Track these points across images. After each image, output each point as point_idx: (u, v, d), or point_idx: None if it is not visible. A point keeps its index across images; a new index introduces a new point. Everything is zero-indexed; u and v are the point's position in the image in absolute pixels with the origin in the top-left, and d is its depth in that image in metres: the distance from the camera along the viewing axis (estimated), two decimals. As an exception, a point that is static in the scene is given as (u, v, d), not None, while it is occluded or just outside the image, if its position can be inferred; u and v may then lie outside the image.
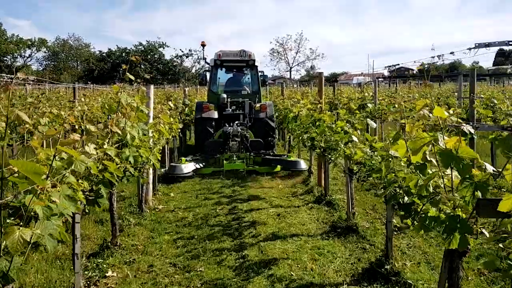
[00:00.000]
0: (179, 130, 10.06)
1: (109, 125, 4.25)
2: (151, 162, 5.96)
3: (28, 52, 65.94)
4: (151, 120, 7.17)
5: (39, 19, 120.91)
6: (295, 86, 42.39)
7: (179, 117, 10.22)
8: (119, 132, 4.27)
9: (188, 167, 9.17)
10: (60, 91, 23.23)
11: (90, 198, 4.13)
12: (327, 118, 6.36)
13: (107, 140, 4.24)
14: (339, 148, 5.83)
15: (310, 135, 7.50)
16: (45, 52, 68.27)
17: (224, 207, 7.05)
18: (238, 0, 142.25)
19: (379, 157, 4.37)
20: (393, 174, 3.82)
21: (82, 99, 13.01)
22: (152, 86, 7.33)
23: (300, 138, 8.16)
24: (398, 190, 3.62)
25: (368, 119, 5.49)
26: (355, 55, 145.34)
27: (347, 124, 5.64)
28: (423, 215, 3.27)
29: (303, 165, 9.25)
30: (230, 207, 7.06)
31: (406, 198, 3.49)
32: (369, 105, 10.56)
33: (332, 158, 6.05)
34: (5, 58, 60.90)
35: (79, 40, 73.78)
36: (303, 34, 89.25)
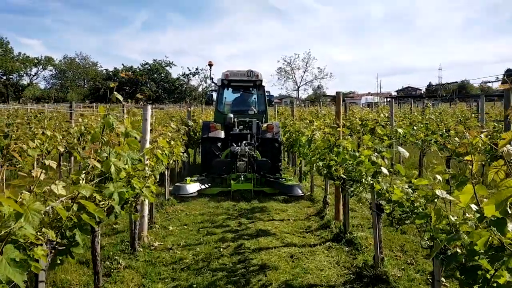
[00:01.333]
0: (183, 152, 9.38)
1: (85, 156, 3.43)
2: (145, 194, 5.14)
3: (34, 70, 65.98)
4: (147, 145, 6.36)
5: (49, 39, 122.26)
6: (301, 105, 41.71)
7: (181, 139, 9.41)
8: (97, 165, 3.43)
9: (193, 187, 9.12)
10: (61, 110, 22.62)
11: (61, 248, 3.30)
12: (349, 145, 5.51)
13: (82, 175, 3.41)
14: (364, 181, 4.96)
15: (327, 163, 6.64)
16: (51, 70, 68.34)
17: (229, 244, 6.15)
18: (245, 21, 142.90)
19: (421, 198, 3.50)
20: (447, 224, 2.96)
21: (80, 120, 12.28)
22: (149, 107, 6.54)
23: (315, 165, 7.29)
24: (458, 249, 2.75)
25: (399, 147, 4.63)
26: (361, 74, 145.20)
27: (374, 152, 4.78)
28: (495, 284, 2.43)
29: (299, 191, 9.00)
30: (236, 244, 6.16)
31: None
32: (377, 129, 9.76)
33: (355, 192, 5.17)
34: (11, 76, 60.83)
35: (86, 58, 74.07)
36: (310, 53, 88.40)
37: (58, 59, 71.96)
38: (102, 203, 4.06)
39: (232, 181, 9.48)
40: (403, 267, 5.06)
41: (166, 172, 8.38)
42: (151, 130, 9.46)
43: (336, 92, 6.79)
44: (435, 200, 3.47)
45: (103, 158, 3.79)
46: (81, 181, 3.39)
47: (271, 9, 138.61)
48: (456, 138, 9.09)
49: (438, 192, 3.30)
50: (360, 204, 7.96)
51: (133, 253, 5.71)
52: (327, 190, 7.69)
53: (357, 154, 5.13)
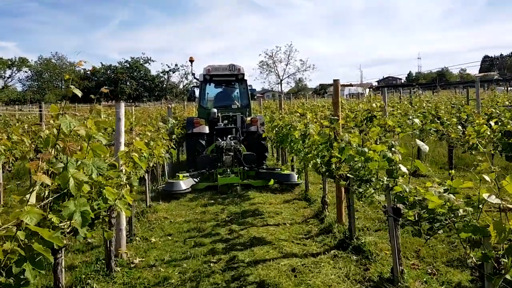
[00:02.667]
0: (166, 152, 8.64)
1: (32, 169, 2.62)
2: (119, 206, 4.35)
3: (8, 72, 63.79)
4: (122, 148, 5.55)
5: (25, 40, 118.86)
6: (285, 98, 41.07)
7: (162, 139, 8.61)
8: (46, 180, 2.63)
9: (186, 183, 9.07)
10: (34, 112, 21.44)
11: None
12: (355, 139, 4.78)
13: (28, 196, 2.61)
14: (375, 181, 4.24)
15: (326, 159, 5.92)
16: (25, 71, 66.23)
17: (220, 258, 5.38)
18: (225, 17, 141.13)
19: (467, 205, 2.79)
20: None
21: (51, 121, 11.30)
22: (123, 104, 5.72)
23: (312, 162, 6.56)
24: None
25: (418, 141, 3.92)
26: (343, 66, 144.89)
27: (388, 148, 4.06)
28: None
29: (296, 178, 9.07)
30: (228, 257, 5.39)
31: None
32: (388, 120, 9.06)
33: (365, 194, 4.45)
34: (-16, 79, 58.85)
35: (62, 59, 71.98)
36: (292, 46, 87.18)
37: (33, 60, 69.88)
38: (62, 224, 3.29)
39: (219, 175, 9.42)
40: (425, 279, 4.36)
41: (146, 176, 7.57)
42: (130, 130, 8.63)
43: (334, 80, 6.06)
44: (480, 207, 2.80)
45: (58, 170, 2.99)
46: (27, 203, 2.60)
47: (251, 5, 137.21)
48: (459, 127, 8.48)
49: (486, 196, 2.62)
50: (361, 202, 7.27)
51: (109, 275, 4.90)
52: (325, 189, 6.96)
53: (366, 149, 4.40)
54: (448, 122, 8.51)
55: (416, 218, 3.48)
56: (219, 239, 6.11)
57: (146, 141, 7.18)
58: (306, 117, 7.71)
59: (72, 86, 3.23)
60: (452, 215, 2.85)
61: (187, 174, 9.55)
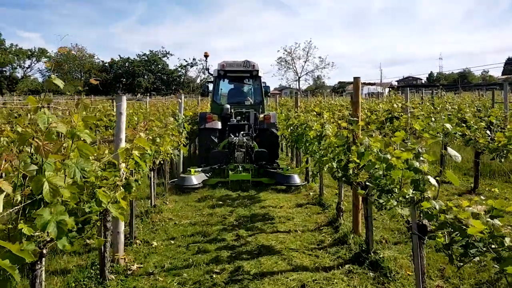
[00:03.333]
0: (176, 148, 8.52)
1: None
2: (112, 211, 3.97)
3: (28, 62, 64.35)
4: (122, 144, 5.17)
5: (48, 32, 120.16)
6: (302, 96, 40.44)
7: (170, 135, 8.22)
8: (7, 189, 2.22)
9: (198, 178, 9.05)
10: (59, 103, 21.36)
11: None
12: (377, 144, 4.29)
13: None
14: (399, 192, 3.75)
15: (343, 164, 5.44)
16: (44, 62, 66.76)
17: (224, 267, 4.95)
18: (245, 13, 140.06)
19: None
20: None
21: (60, 113, 11.03)
22: (124, 98, 5.31)
23: (327, 165, 6.08)
24: None
25: (449, 149, 3.42)
26: (362, 65, 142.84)
27: (415, 156, 3.56)
28: None
29: (297, 180, 8.93)
30: (233, 267, 4.96)
31: None
32: (414, 123, 8.50)
33: (387, 206, 3.95)
34: (4, 69, 59.22)
35: (82, 50, 72.33)
36: (312, 42, 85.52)
37: (53, 51, 70.37)
38: (38, 233, 2.92)
39: (230, 171, 9.38)
40: (452, 305, 3.86)
41: (152, 175, 7.18)
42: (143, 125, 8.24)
43: (354, 77, 5.55)
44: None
45: (31, 173, 2.59)
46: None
47: (273, 1, 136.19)
48: (488, 131, 7.88)
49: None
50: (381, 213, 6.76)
51: (103, 283, 4.50)
52: (341, 195, 6.47)
53: (388, 156, 3.91)
54: (476, 126, 7.92)
55: (447, 241, 2.99)
56: (225, 246, 5.68)
57: (151, 137, 6.79)
58: (323, 117, 7.21)
59: (53, 76, 2.82)
60: (495, 243, 2.36)
61: (199, 169, 9.48)
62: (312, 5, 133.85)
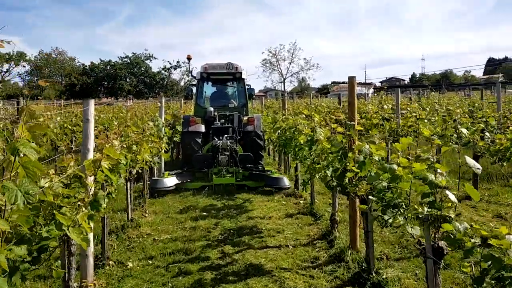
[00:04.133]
0: (156, 155, 7.98)
1: None
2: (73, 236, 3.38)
3: (6, 66, 62.60)
4: (91, 155, 4.58)
5: (31, 36, 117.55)
6: (287, 98, 40.00)
7: (149, 141, 7.63)
8: None
9: (170, 180, 9.05)
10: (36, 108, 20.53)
11: None
12: (381, 152, 3.77)
13: None
14: (408, 208, 3.23)
15: (337, 173, 4.93)
16: (23, 66, 65.15)
17: (208, 293, 4.38)
18: (232, 15, 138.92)
19: None
20: None
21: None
22: (92, 102, 4.71)
23: (320, 173, 5.56)
24: None
25: (468, 158, 2.91)
26: (346, 66, 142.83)
27: (429, 167, 3.04)
28: None
29: (286, 182, 8.92)
30: (218, 292, 4.39)
31: None
32: (422, 127, 8.01)
33: (394, 224, 3.43)
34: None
35: (62, 54, 70.87)
36: (296, 44, 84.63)
37: (33, 54, 68.84)
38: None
39: (214, 175, 9.26)
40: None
41: (128, 185, 6.57)
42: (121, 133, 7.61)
43: (349, 77, 5.04)
44: None
45: None
46: None
47: (258, 3, 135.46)
48: (487, 133, 7.45)
49: None
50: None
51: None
52: (335, 205, 5.94)
53: (395, 166, 3.39)
54: (474, 128, 7.48)
55: (473, 272, 2.47)
56: (209, 266, 5.10)
57: (126, 145, 6.20)
58: (313, 120, 6.68)
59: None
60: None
61: (173, 172, 9.52)
62: (298, 5, 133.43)
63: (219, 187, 9.08)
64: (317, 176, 5.98)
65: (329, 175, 5.22)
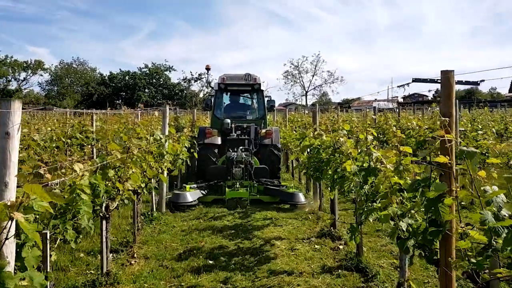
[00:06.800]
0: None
1: None
2: None
3: (23, 75, 61.97)
4: (10, 194, 2.72)
5: (57, 47, 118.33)
6: (306, 112, 37.96)
7: (151, 160, 5.80)
8: None
9: (193, 195, 8.76)
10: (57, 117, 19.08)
11: None
12: None
13: None
14: None
15: (437, 237, 2.97)
16: (41, 75, 64.46)
17: None
18: (250, 30, 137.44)
19: None
20: None
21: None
22: (16, 105, 2.84)
23: (387, 225, 3.60)
24: None
25: None
26: (366, 82, 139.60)
27: None
28: None
29: (302, 198, 8.66)
30: None
31: None
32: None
33: None
34: (-1, 81, 57.04)
35: (83, 64, 70.24)
36: (320, 55, 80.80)
37: (54, 64, 68.21)
38: None
39: (227, 188, 8.90)
40: None
41: (104, 225, 4.69)
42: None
43: (442, 71, 3.08)
44: None
45: None
46: None
47: (277, 18, 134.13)
48: None
49: None
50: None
51: None
52: (404, 271, 3.92)
53: None
54: None
55: None
56: None
57: (100, 170, 4.37)
58: (365, 139, 4.70)
59: None
60: None
61: (195, 185, 9.15)
62: (317, 21, 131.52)
63: (231, 202, 8.55)
64: (371, 220, 4.06)
65: (404, 228, 3.26)
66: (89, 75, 68.39)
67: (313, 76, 75.35)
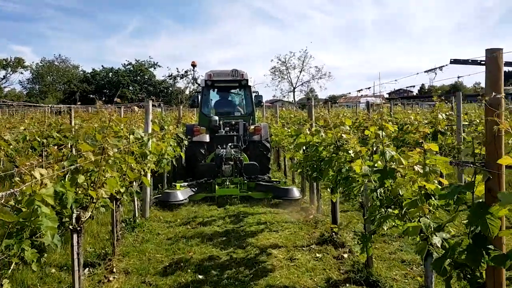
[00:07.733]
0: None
1: None
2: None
3: (2, 73, 60.24)
4: None
5: (40, 46, 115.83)
6: (294, 108, 37.43)
7: (132, 162, 5.13)
8: None
9: (183, 193, 8.57)
10: (33, 115, 18.14)
11: None
12: None
13: None
14: None
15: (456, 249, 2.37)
16: (21, 73, 62.77)
17: None
18: (239, 27, 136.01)
19: None
20: None
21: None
22: None
23: (424, 240, 3.01)
24: None
25: None
26: (352, 78, 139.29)
27: None
28: None
29: (296, 193, 8.46)
30: None
31: None
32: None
33: None
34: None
35: (65, 61, 68.67)
36: (307, 51, 77.01)
37: (35, 62, 66.52)
38: None
39: (217, 186, 8.78)
40: None
41: (74, 239, 4.01)
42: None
43: (487, 49, 2.49)
44: None
45: None
46: None
47: (265, 16, 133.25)
48: None
49: None
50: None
51: None
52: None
53: None
54: None
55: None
56: None
57: (68, 176, 3.69)
58: (378, 136, 4.09)
59: None
60: None
61: (185, 184, 8.99)
62: (304, 18, 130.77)
63: (221, 199, 8.51)
64: (386, 228, 3.49)
65: (439, 245, 2.67)
66: (71, 72, 66.93)
67: (300, 72, 74.62)
